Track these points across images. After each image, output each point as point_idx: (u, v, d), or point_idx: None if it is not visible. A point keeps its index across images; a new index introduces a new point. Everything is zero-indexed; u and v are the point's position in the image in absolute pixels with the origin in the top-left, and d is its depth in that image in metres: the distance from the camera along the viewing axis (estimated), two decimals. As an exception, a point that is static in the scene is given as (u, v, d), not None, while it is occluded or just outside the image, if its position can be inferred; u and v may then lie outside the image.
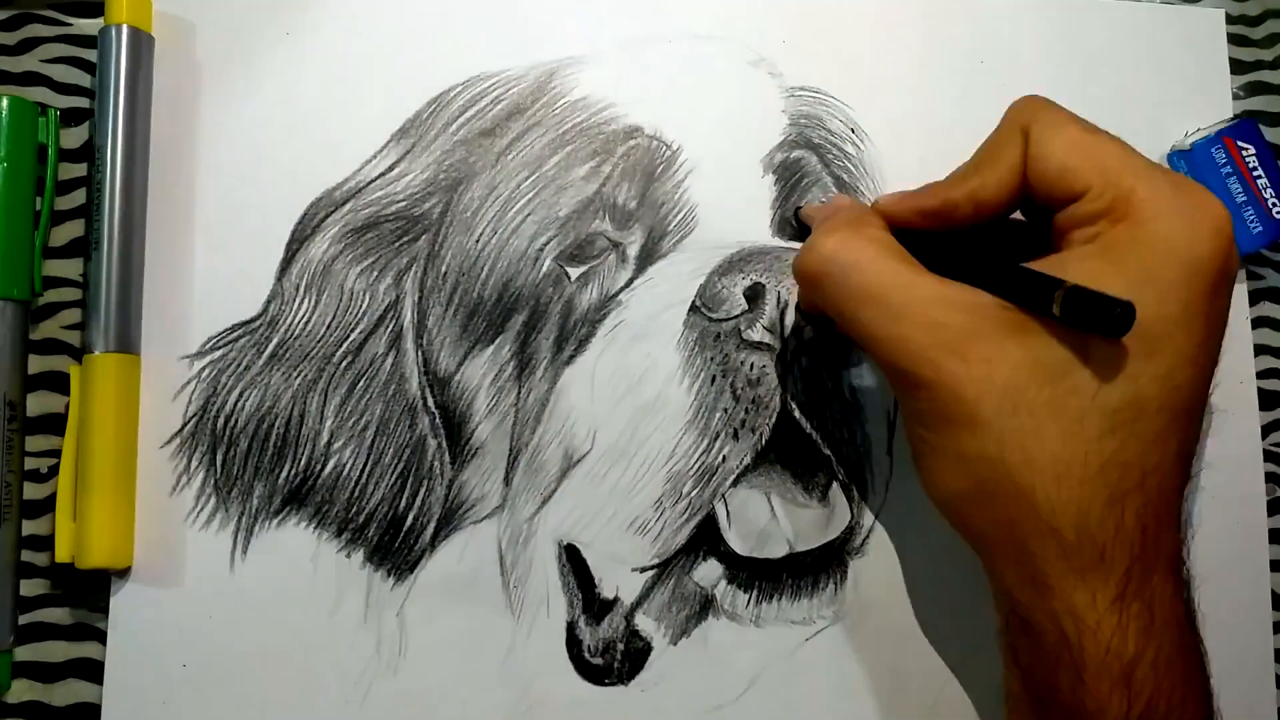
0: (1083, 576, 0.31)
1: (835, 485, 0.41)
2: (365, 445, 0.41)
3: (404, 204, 0.42)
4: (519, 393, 0.41)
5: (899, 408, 0.36)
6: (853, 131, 0.44)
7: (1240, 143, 0.45)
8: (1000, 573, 0.33)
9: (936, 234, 0.36)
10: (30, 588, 0.40)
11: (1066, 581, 0.31)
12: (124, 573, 0.39)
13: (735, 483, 0.40)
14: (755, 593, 0.41)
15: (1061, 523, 0.31)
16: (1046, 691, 0.32)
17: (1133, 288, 0.31)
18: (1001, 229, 0.37)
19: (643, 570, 0.41)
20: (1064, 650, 0.31)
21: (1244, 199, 0.45)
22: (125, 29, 0.41)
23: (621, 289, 0.41)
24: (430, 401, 0.41)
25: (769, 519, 0.40)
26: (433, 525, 0.41)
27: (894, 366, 0.33)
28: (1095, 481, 0.31)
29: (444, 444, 0.41)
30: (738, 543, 0.40)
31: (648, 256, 0.42)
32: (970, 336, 0.32)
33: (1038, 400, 0.31)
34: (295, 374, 0.41)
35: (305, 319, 0.41)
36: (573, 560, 0.41)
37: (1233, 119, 0.46)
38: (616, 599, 0.41)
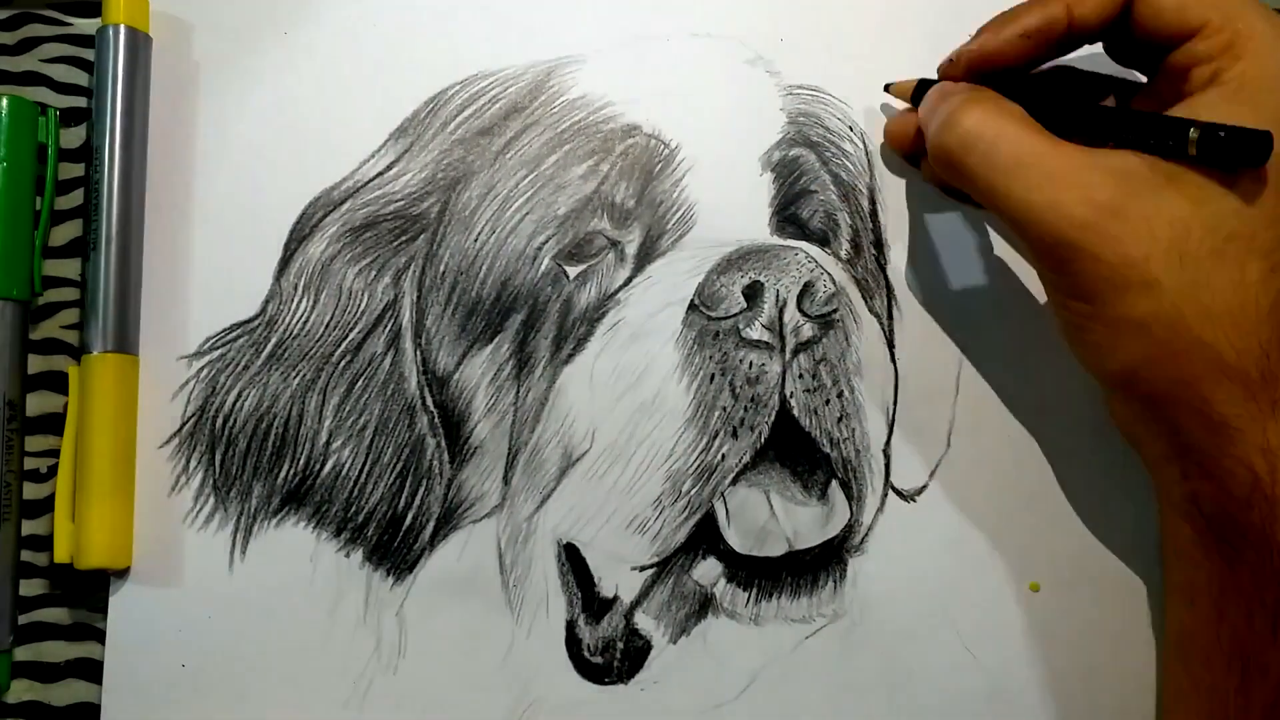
0: (1272, 414, 0.32)
1: (834, 483, 0.41)
2: (364, 445, 0.41)
3: (402, 203, 0.42)
4: (518, 392, 0.41)
5: (1047, 290, 0.36)
6: (851, 129, 0.44)
7: None
8: (1181, 431, 0.34)
9: (1056, 103, 0.36)
10: (30, 588, 0.40)
11: (1256, 423, 0.32)
12: (123, 573, 0.39)
13: (734, 481, 0.40)
14: (754, 591, 0.41)
15: (1247, 365, 0.32)
16: (1236, 534, 0.33)
17: (1271, 125, 0.32)
18: (1103, 86, 0.39)
19: (642, 569, 0.40)
20: (1256, 488, 0.32)
21: None
22: (122, 29, 0.41)
23: (620, 287, 0.41)
24: (429, 401, 0.41)
25: (768, 517, 0.40)
26: (432, 524, 0.41)
27: (1052, 236, 0.33)
28: (1269, 321, 0.32)
29: (443, 443, 0.41)
30: (737, 541, 0.40)
31: (646, 255, 0.42)
32: (1126, 195, 0.32)
33: (1200, 251, 0.32)
34: (294, 374, 0.41)
35: (303, 319, 0.41)
36: (572, 559, 0.41)
37: None
38: (616, 598, 0.41)
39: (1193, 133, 0.32)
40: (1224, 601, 0.34)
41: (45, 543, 0.40)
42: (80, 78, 0.43)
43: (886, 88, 0.43)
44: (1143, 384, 0.34)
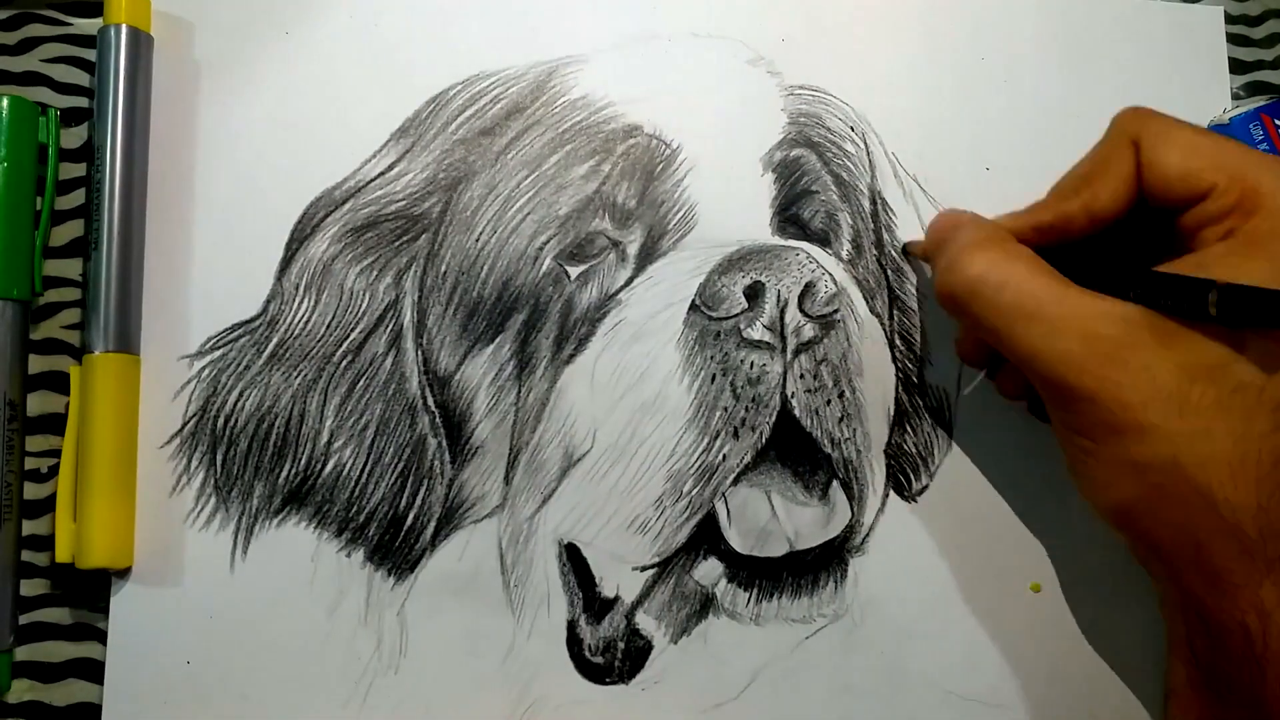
0: (1268, 573, 0.31)
1: (835, 484, 0.41)
2: (365, 445, 0.41)
3: (403, 203, 0.42)
4: (519, 392, 0.41)
5: (1052, 421, 0.36)
6: (852, 129, 0.44)
7: (1278, 120, 0.45)
8: (1178, 575, 0.34)
9: (1070, 246, 0.36)
10: (30, 588, 0.40)
11: (1251, 580, 0.32)
12: (124, 573, 0.39)
13: (735, 481, 0.40)
14: (755, 591, 0.41)
15: (1242, 520, 0.31)
16: (1226, 688, 0.33)
17: None
18: (1122, 236, 0.37)
19: (643, 569, 0.40)
20: (1248, 647, 0.32)
21: None
22: (124, 29, 0.41)
23: (621, 288, 0.41)
24: (430, 401, 0.41)
25: (769, 517, 0.40)
26: (433, 524, 0.41)
27: (1054, 380, 0.33)
28: (1271, 477, 0.31)
29: (444, 443, 0.41)
30: (738, 541, 0.40)
31: (647, 255, 0.42)
32: (1128, 346, 0.32)
33: (1203, 401, 0.31)
34: (295, 374, 0.41)
35: (305, 318, 0.41)
36: (573, 559, 0.41)
37: (1273, 97, 0.46)
38: (617, 598, 0.41)
39: (1212, 295, 0.31)
40: None
41: (46, 543, 0.40)
42: (81, 78, 0.43)
43: (905, 250, 0.43)
44: (1139, 524, 0.34)
